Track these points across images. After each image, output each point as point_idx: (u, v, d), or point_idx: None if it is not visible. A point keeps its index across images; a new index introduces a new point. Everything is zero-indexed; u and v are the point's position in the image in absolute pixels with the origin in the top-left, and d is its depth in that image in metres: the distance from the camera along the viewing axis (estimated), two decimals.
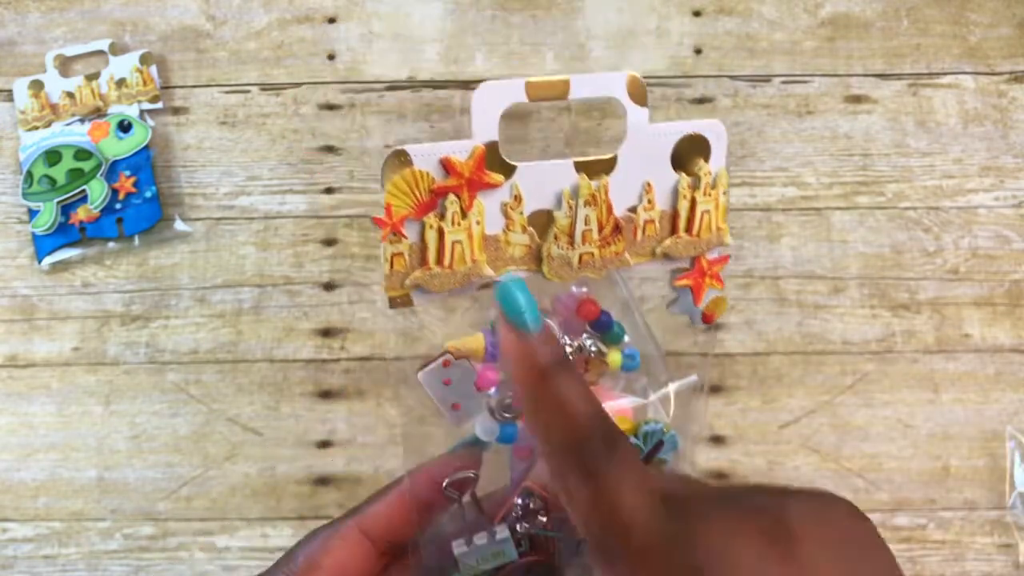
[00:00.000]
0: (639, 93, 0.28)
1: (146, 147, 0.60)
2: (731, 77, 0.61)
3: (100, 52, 0.61)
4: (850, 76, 0.61)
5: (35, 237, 0.59)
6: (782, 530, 0.21)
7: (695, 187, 0.29)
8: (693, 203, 0.29)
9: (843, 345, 0.58)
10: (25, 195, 0.59)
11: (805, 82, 0.61)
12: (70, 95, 0.61)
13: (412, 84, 0.61)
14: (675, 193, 0.29)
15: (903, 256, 0.59)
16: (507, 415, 0.29)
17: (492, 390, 0.29)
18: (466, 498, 0.29)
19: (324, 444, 0.57)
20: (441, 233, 0.27)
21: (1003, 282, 0.59)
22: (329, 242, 0.59)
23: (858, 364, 0.58)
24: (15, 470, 0.57)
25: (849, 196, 0.60)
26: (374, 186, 0.60)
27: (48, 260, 0.59)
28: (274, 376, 0.58)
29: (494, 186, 0.27)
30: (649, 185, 0.29)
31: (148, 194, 0.59)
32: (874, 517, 0.57)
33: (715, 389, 0.57)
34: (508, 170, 0.28)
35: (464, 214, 0.27)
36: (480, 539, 0.29)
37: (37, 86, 0.61)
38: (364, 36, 0.62)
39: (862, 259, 0.59)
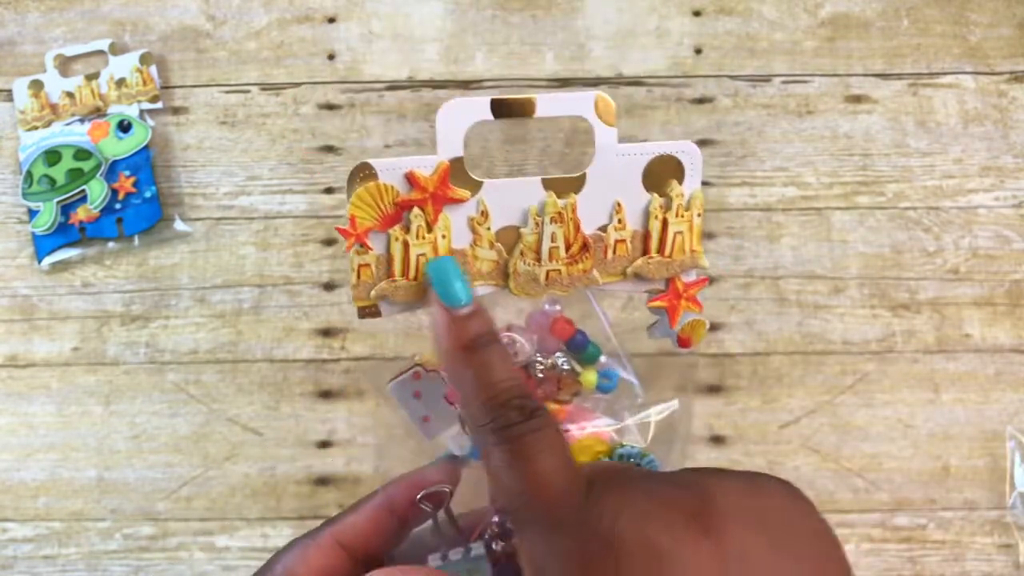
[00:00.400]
0: (607, 112, 0.28)
1: (146, 147, 0.60)
2: (731, 77, 0.61)
3: (100, 52, 0.61)
4: (850, 76, 0.61)
5: (35, 237, 0.59)
6: (705, 508, 0.21)
7: (667, 208, 0.29)
8: (665, 224, 0.29)
9: (843, 345, 0.58)
10: (25, 195, 0.59)
11: (805, 82, 0.61)
12: (70, 95, 0.61)
13: (412, 84, 0.61)
14: (647, 213, 0.29)
15: (903, 256, 0.59)
16: None
17: None
18: (441, 512, 0.29)
19: (324, 444, 0.57)
20: (406, 246, 0.28)
21: (1003, 282, 0.59)
22: (329, 242, 0.59)
23: (858, 364, 0.58)
24: (15, 470, 0.57)
25: (849, 196, 0.60)
26: None
27: (48, 260, 0.59)
28: (274, 376, 0.58)
29: (459, 201, 0.28)
30: (619, 205, 0.29)
31: (148, 194, 0.59)
32: (874, 517, 0.57)
33: (715, 389, 0.57)
34: (475, 186, 0.28)
35: (429, 228, 0.28)
36: (455, 555, 0.29)
37: (37, 86, 0.61)
38: (364, 36, 0.62)
39: (862, 259, 0.59)
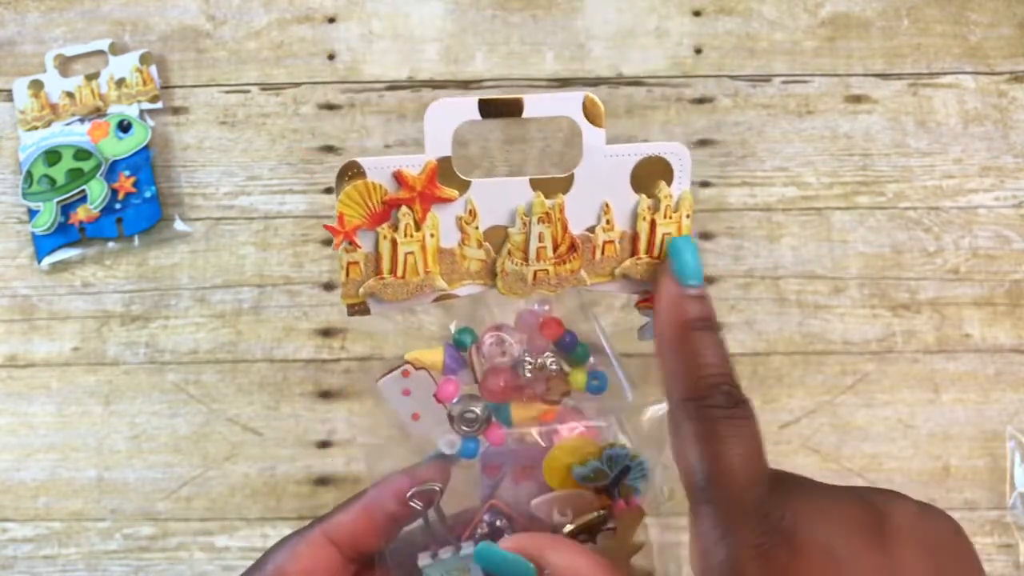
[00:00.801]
0: (595, 113, 0.28)
1: (146, 147, 0.60)
2: (731, 77, 0.61)
3: (100, 52, 0.61)
4: (850, 76, 0.61)
5: (35, 237, 0.59)
6: (882, 524, 0.22)
7: (655, 209, 0.29)
8: (653, 225, 0.29)
9: (843, 345, 0.58)
10: (25, 195, 0.59)
11: (805, 82, 0.61)
12: (70, 95, 0.61)
13: (412, 84, 0.61)
14: (635, 214, 0.29)
15: (903, 256, 0.59)
16: (468, 428, 0.29)
17: (453, 401, 0.29)
18: (431, 511, 0.29)
19: (324, 444, 0.57)
20: (394, 244, 0.28)
21: (1003, 282, 0.59)
22: (329, 242, 0.59)
23: (858, 364, 0.58)
24: (15, 470, 0.57)
25: (849, 196, 0.60)
26: None
27: (48, 260, 0.59)
28: (274, 376, 0.58)
29: (447, 200, 0.28)
30: (608, 206, 0.29)
31: (148, 194, 0.59)
32: None
33: None
34: (463, 185, 0.28)
35: (417, 226, 0.28)
36: (445, 553, 0.29)
37: (37, 86, 0.61)
38: (364, 36, 0.62)
39: (862, 259, 0.59)
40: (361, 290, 0.28)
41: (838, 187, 0.60)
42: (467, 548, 0.29)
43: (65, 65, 0.61)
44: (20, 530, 0.56)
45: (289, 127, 0.61)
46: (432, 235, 0.28)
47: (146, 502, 0.56)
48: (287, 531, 0.56)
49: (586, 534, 0.29)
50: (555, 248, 0.29)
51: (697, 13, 0.62)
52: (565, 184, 0.28)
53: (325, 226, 0.28)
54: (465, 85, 0.61)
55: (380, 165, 0.27)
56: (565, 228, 0.28)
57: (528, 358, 0.29)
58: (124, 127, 0.60)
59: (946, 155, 0.60)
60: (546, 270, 0.29)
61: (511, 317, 0.31)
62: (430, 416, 0.31)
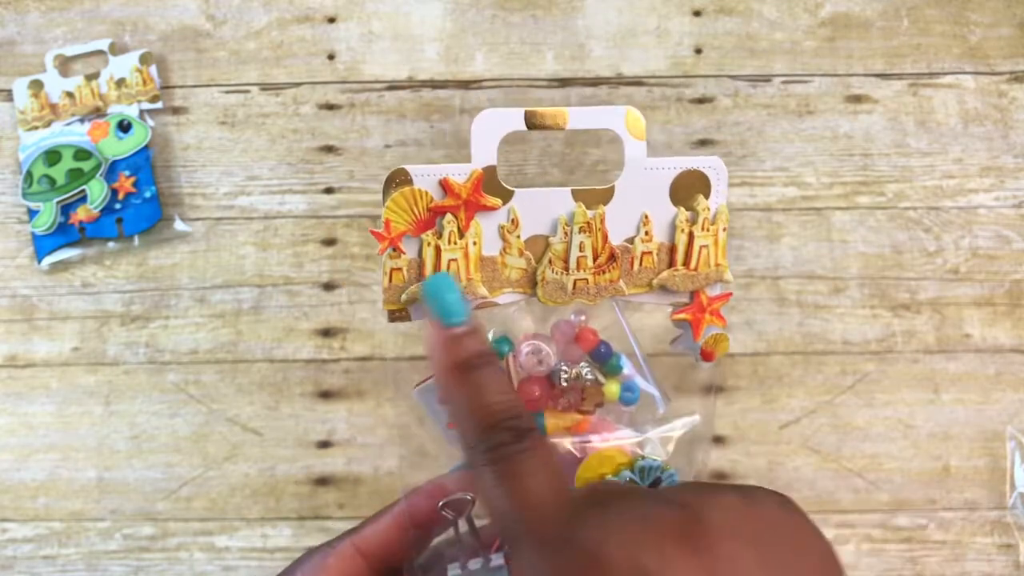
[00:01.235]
0: (637, 127, 0.29)
1: (146, 147, 0.60)
2: (731, 77, 0.61)
3: (100, 52, 0.61)
4: (850, 76, 0.61)
5: (35, 237, 0.59)
6: (695, 526, 0.21)
7: (693, 222, 0.29)
8: (691, 237, 0.29)
9: (843, 345, 0.58)
10: (25, 195, 0.59)
11: (805, 82, 0.61)
12: (70, 95, 0.61)
13: (412, 84, 0.61)
14: (673, 226, 0.29)
15: (903, 256, 0.59)
16: None
17: None
18: (462, 520, 0.29)
19: (324, 444, 0.57)
20: (438, 251, 0.28)
21: (1003, 282, 0.59)
22: (329, 242, 0.59)
23: (858, 364, 0.58)
24: (15, 470, 0.57)
25: (849, 196, 0.60)
26: (374, 186, 0.60)
27: (48, 260, 0.59)
28: (274, 376, 0.58)
29: (491, 209, 0.28)
30: (647, 217, 0.29)
31: (148, 194, 0.59)
32: (874, 517, 0.57)
33: (716, 390, 0.57)
34: (507, 194, 0.28)
35: (461, 234, 0.28)
36: (475, 564, 0.29)
37: (37, 86, 0.61)
38: (364, 36, 0.62)
39: (862, 259, 0.59)
40: (404, 296, 0.29)
41: (838, 187, 0.60)
42: (496, 559, 0.29)
43: (65, 65, 0.61)
44: (20, 530, 0.56)
45: (289, 127, 0.61)
46: (475, 243, 0.29)
47: (146, 502, 0.56)
48: (287, 531, 0.56)
49: None
50: (595, 258, 0.29)
51: (697, 13, 0.62)
52: (606, 195, 0.29)
53: (371, 231, 0.28)
54: (465, 85, 0.61)
55: (427, 172, 0.28)
56: (605, 239, 0.29)
57: (564, 368, 0.30)
58: (124, 127, 0.60)
59: (946, 155, 0.60)
60: (586, 279, 0.29)
61: (547, 327, 0.31)
62: None
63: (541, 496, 0.23)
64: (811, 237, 0.59)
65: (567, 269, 0.29)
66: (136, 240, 0.59)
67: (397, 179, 0.28)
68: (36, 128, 0.60)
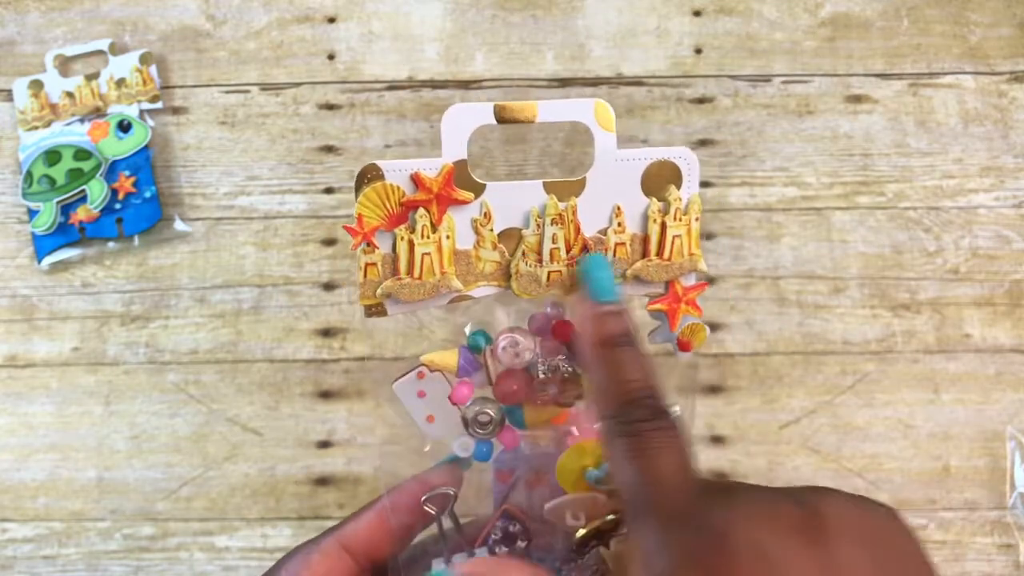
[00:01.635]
0: (606, 119, 0.29)
1: (146, 147, 0.60)
2: (731, 77, 0.61)
3: (100, 52, 0.61)
4: (850, 76, 0.61)
5: (35, 237, 0.59)
6: (816, 522, 0.22)
7: (665, 212, 0.29)
8: (663, 227, 0.29)
9: (843, 345, 0.58)
10: (25, 195, 0.59)
11: (805, 82, 0.61)
12: (70, 95, 0.61)
13: (412, 84, 0.61)
14: (646, 217, 0.29)
15: (903, 256, 0.59)
16: (481, 431, 0.29)
17: (467, 404, 0.30)
18: (445, 516, 0.29)
19: (324, 444, 0.57)
20: (411, 245, 0.28)
21: (1003, 282, 0.59)
22: (329, 242, 0.59)
23: (858, 364, 0.58)
24: (15, 470, 0.57)
25: (849, 196, 0.60)
26: None
27: (48, 260, 0.59)
28: (274, 376, 0.58)
29: (463, 202, 0.28)
30: (619, 208, 0.29)
31: (148, 194, 0.59)
32: None
33: (715, 389, 0.57)
34: (479, 188, 0.29)
35: (434, 228, 0.28)
36: (459, 558, 0.29)
37: (37, 86, 0.61)
38: (364, 36, 0.62)
39: (862, 259, 0.59)
40: (379, 291, 0.29)
41: (838, 187, 0.60)
42: (480, 553, 0.29)
43: (65, 65, 0.61)
44: (20, 530, 0.56)
45: (289, 127, 0.61)
46: (448, 237, 0.29)
47: (146, 502, 0.56)
48: (287, 531, 0.56)
49: (598, 539, 0.30)
50: (568, 250, 0.29)
51: (697, 13, 0.62)
52: (578, 187, 0.29)
53: (345, 227, 0.29)
54: (465, 85, 0.61)
55: (398, 168, 0.28)
56: (578, 230, 0.29)
57: (542, 361, 0.30)
58: (124, 127, 0.60)
59: (946, 155, 0.60)
60: (560, 271, 0.29)
61: (525, 320, 0.31)
62: (445, 418, 0.31)
63: (670, 473, 0.24)
64: (811, 237, 0.59)
65: (541, 261, 0.29)
66: (136, 240, 0.59)
67: (369, 175, 0.28)
68: (36, 128, 0.60)
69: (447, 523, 0.30)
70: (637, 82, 0.61)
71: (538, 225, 0.29)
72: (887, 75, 0.61)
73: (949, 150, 0.60)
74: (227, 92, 0.62)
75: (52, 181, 0.59)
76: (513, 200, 0.29)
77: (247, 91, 0.62)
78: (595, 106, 0.28)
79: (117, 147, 0.60)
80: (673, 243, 0.29)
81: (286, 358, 0.58)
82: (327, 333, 0.58)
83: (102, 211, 0.59)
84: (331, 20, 0.62)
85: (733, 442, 0.57)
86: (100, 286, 0.59)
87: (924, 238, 0.59)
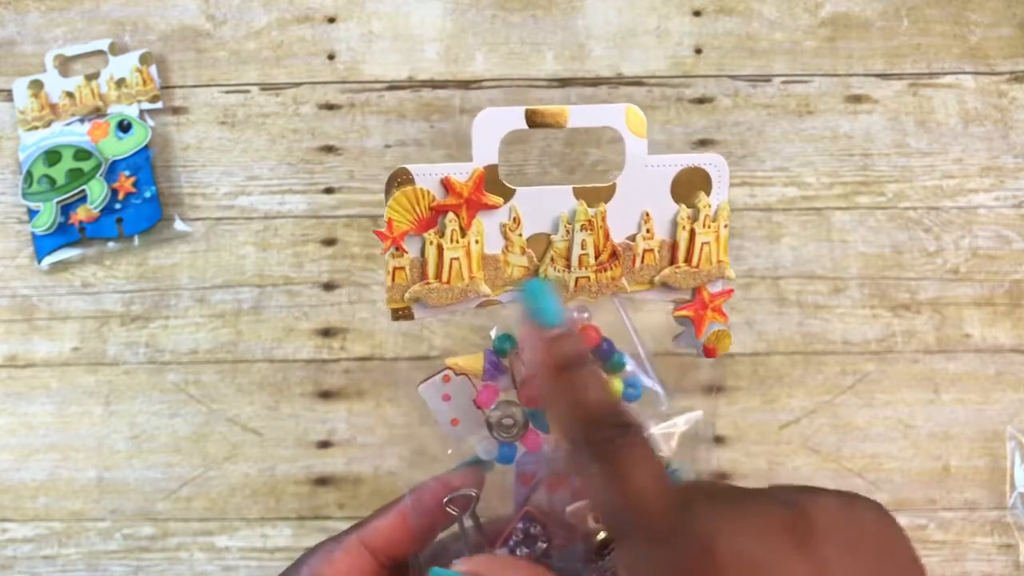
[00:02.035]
0: (637, 124, 0.29)
1: (146, 147, 0.60)
2: (731, 77, 0.61)
3: (100, 52, 0.61)
4: (850, 76, 0.61)
5: (35, 237, 0.59)
6: (802, 524, 0.22)
7: (694, 219, 0.29)
8: (692, 234, 0.29)
9: (843, 345, 0.58)
10: (25, 195, 0.59)
11: (805, 82, 0.61)
12: (70, 95, 0.61)
13: (412, 84, 0.61)
14: (675, 223, 0.29)
15: (903, 256, 0.59)
16: (505, 435, 0.30)
17: (491, 408, 0.30)
18: (466, 516, 0.29)
19: (324, 444, 0.57)
20: (440, 249, 0.28)
21: (1003, 282, 0.59)
22: (329, 242, 0.59)
23: (858, 364, 0.58)
24: (15, 470, 0.57)
25: (849, 196, 0.60)
26: (374, 186, 0.60)
27: (48, 260, 0.59)
28: (274, 376, 0.58)
29: (493, 207, 0.28)
30: (648, 215, 0.29)
31: (148, 194, 0.59)
32: None
33: (715, 389, 0.57)
34: (508, 193, 0.29)
35: (463, 232, 0.28)
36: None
37: (37, 86, 0.61)
38: (364, 36, 0.62)
39: (862, 259, 0.59)
40: (407, 295, 0.29)
41: (838, 187, 0.60)
42: (501, 554, 0.29)
43: (65, 65, 0.61)
44: (20, 530, 0.56)
45: (289, 127, 0.61)
46: (477, 241, 0.29)
47: (146, 502, 0.56)
48: (287, 531, 0.56)
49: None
50: (597, 255, 0.29)
51: (697, 13, 0.62)
52: (607, 193, 0.29)
53: (375, 231, 0.29)
54: (465, 85, 0.61)
55: (428, 172, 0.28)
56: (607, 236, 0.29)
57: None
58: (124, 127, 0.60)
59: (946, 155, 0.60)
60: (588, 277, 0.29)
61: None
62: (469, 421, 0.31)
63: (649, 489, 0.23)
64: (811, 237, 0.59)
65: (569, 267, 0.29)
66: (136, 240, 0.59)
67: (399, 179, 0.28)
68: (36, 128, 0.60)
69: (468, 523, 0.30)
70: (637, 82, 0.61)
71: (567, 231, 0.29)
72: (887, 75, 0.61)
73: (949, 150, 0.60)
74: (227, 92, 0.62)
75: (52, 181, 0.59)
76: (542, 205, 0.29)
77: (247, 91, 0.62)
78: (627, 111, 0.28)
79: (117, 147, 0.60)
80: (702, 250, 0.29)
81: (286, 358, 0.58)
82: (327, 333, 0.58)
83: (102, 211, 0.59)
84: (331, 20, 0.62)
85: (733, 442, 0.57)
86: (100, 286, 0.59)
87: (924, 238, 0.59)
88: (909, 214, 0.59)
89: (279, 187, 0.60)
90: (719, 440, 0.57)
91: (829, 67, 0.61)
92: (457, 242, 0.28)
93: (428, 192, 0.28)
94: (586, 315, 0.31)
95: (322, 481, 0.57)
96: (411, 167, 0.28)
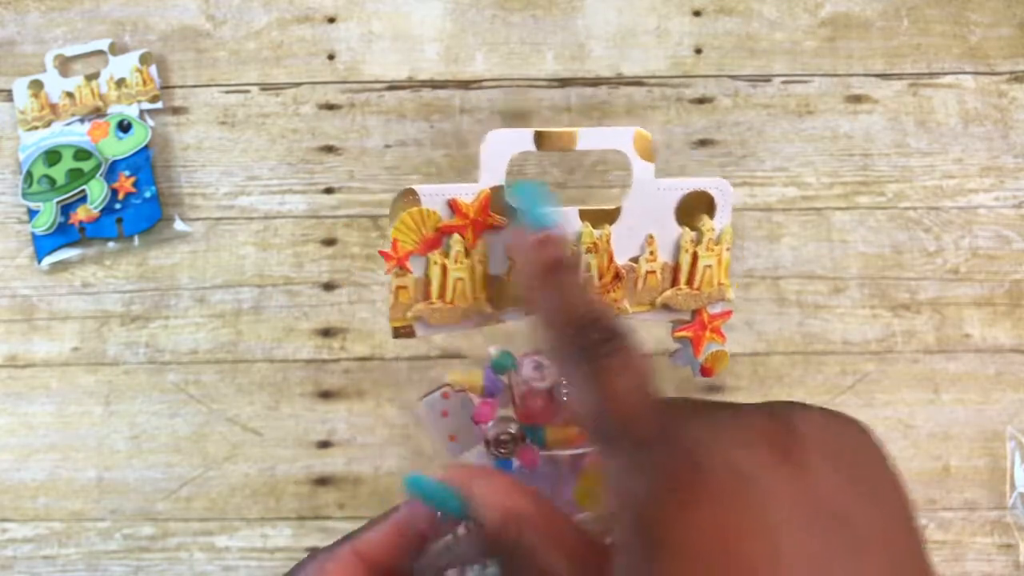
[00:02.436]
0: (645, 148, 0.29)
1: (146, 147, 0.60)
2: (731, 77, 0.61)
3: (100, 52, 0.61)
4: (850, 76, 0.61)
5: (35, 237, 0.59)
6: (787, 435, 0.21)
7: (697, 242, 0.30)
8: (695, 257, 0.30)
9: (843, 345, 0.58)
10: (25, 195, 0.59)
11: (805, 82, 0.61)
12: (70, 95, 0.61)
13: (412, 84, 0.61)
14: (678, 246, 0.30)
15: (903, 256, 0.59)
16: (502, 451, 0.30)
17: (489, 424, 0.30)
18: (460, 529, 0.30)
19: (324, 444, 0.57)
20: (444, 270, 0.29)
21: (1003, 282, 0.59)
22: (329, 242, 0.59)
23: (858, 364, 0.58)
24: (15, 470, 0.57)
25: (849, 196, 0.60)
26: (374, 186, 0.60)
27: (48, 260, 0.59)
28: (274, 376, 0.58)
29: (499, 227, 0.29)
30: (651, 237, 0.29)
31: (148, 194, 0.59)
32: None
33: (715, 389, 0.57)
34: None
35: (467, 253, 0.29)
36: (472, 572, 0.29)
37: (37, 86, 0.61)
38: (364, 36, 0.62)
39: (862, 259, 0.59)
40: (409, 314, 0.29)
41: (838, 187, 0.60)
42: (493, 567, 0.29)
43: (65, 65, 0.61)
44: (20, 530, 0.56)
45: (289, 127, 0.61)
46: (481, 262, 0.29)
47: (146, 502, 0.56)
48: (287, 531, 0.56)
49: None
50: (600, 277, 0.29)
51: (697, 13, 0.62)
52: (612, 215, 0.29)
53: (380, 252, 0.29)
54: (465, 85, 0.61)
55: (435, 193, 0.28)
56: (611, 258, 0.29)
57: (565, 382, 0.30)
58: (124, 127, 0.60)
59: (946, 155, 0.60)
60: None
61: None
62: (466, 437, 0.31)
63: (634, 396, 0.23)
64: (811, 237, 0.59)
65: None
66: (136, 240, 0.59)
67: (406, 199, 0.28)
68: (36, 128, 0.60)
69: (463, 538, 0.30)
70: (637, 82, 0.61)
71: (572, 252, 0.29)
72: (887, 75, 0.61)
73: (949, 150, 0.60)
74: (227, 92, 0.62)
75: (52, 181, 0.59)
76: None
77: (247, 91, 0.62)
78: (635, 135, 0.28)
79: (117, 147, 0.60)
80: (704, 273, 0.30)
81: (286, 358, 0.58)
82: (327, 333, 0.58)
83: (102, 211, 0.59)
84: (331, 20, 0.62)
85: None
86: (100, 286, 0.59)
87: (924, 238, 0.59)
88: (909, 214, 0.59)
89: (279, 187, 0.60)
90: None
91: (829, 67, 0.61)
92: (461, 263, 0.29)
93: (434, 213, 0.28)
94: None
95: (322, 481, 0.57)
96: (418, 188, 0.28)
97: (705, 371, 0.31)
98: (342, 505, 0.56)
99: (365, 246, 0.59)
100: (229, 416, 0.57)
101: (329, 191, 0.60)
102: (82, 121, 0.60)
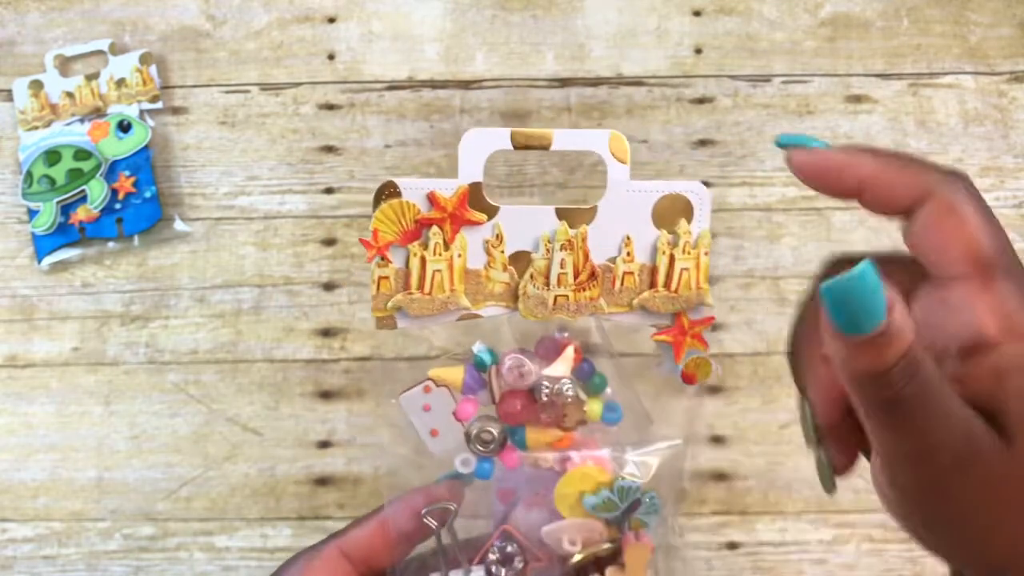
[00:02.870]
0: (620, 150, 0.29)
1: (146, 147, 0.60)
2: (731, 77, 0.61)
3: (100, 52, 0.61)
4: (850, 76, 0.61)
5: (35, 237, 0.59)
6: None
7: (674, 245, 0.30)
8: (672, 260, 0.30)
9: None
10: (25, 195, 0.59)
11: (805, 82, 0.61)
12: (70, 95, 0.61)
13: (412, 84, 0.61)
14: (655, 249, 0.30)
15: None
16: (483, 448, 0.30)
17: (471, 421, 0.30)
18: (444, 530, 0.30)
19: (324, 444, 0.57)
20: (423, 261, 0.30)
21: None
22: (329, 242, 0.59)
23: None
24: (15, 470, 0.57)
25: None
26: (374, 186, 0.60)
27: (48, 260, 0.59)
28: (274, 376, 0.58)
29: (476, 223, 0.30)
30: (628, 238, 0.30)
31: (148, 194, 0.59)
32: (875, 518, 0.57)
33: (715, 389, 0.57)
34: (492, 210, 0.30)
35: (446, 246, 0.30)
36: (455, 575, 0.30)
37: (37, 86, 0.61)
38: (364, 36, 0.62)
39: None
40: (389, 304, 0.30)
41: None
42: (477, 572, 0.29)
43: (65, 65, 0.61)
44: (20, 530, 0.56)
45: (289, 127, 0.61)
46: (460, 255, 0.30)
47: (146, 502, 0.56)
48: (287, 531, 0.56)
49: (594, 565, 0.30)
50: (576, 275, 0.30)
51: (697, 13, 0.62)
52: (589, 215, 0.30)
53: (361, 240, 0.30)
54: (465, 85, 0.61)
55: (415, 186, 0.29)
56: (587, 257, 0.30)
57: (546, 383, 0.30)
58: (124, 127, 0.60)
59: (946, 155, 0.60)
60: (566, 296, 0.30)
61: (532, 342, 0.31)
62: (448, 433, 0.31)
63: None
64: (811, 237, 0.59)
65: (548, 285, 0.30)
66: (136, 240, 0.59)
67: (386, 191, 0.29)
68: (36, 128, 0.60)
69: (446, 538, 0.30)
70: (637, 82, 0.61)
71: (547, 250, 0.30)
72: (887, 75, 0.61)
73: (949, 150, 0.60)
74: (227, 92, 0.62)
75: (52, 181, 0.59)
76: (525, 224, 0.30)
77: (247, 91, 0.62)
78: (610, 137, 0.29)
79: (117, 147, 0.60)
80: (681, 276, 0.30)
81: (286, 358, 0.58)
82: (327, 333, 0.58)
83: (102, 211, 0.59)
84: (331, 20, 0.62)
85: (733, 442, 0.57)
86: (100, 286, 0.59)
87: None
88: None
89: (279, 187, 0.60)
90: (719, 440, 0.57)
91: (829, 67, 0.61)
92: (440, 255, 0.29)
93: (414, 205, 0.29)
94: (567, 334, 0.31)
95: (322, 481, 0.57)
96: (398, 180, 0.29)
97: (687, 378, 0.31)
98: (342, 505, 0.56)
99: None
100: (229, 416, 0.57)
101: (329, 191, 0.60)
102: (82, 121, 0.60)
